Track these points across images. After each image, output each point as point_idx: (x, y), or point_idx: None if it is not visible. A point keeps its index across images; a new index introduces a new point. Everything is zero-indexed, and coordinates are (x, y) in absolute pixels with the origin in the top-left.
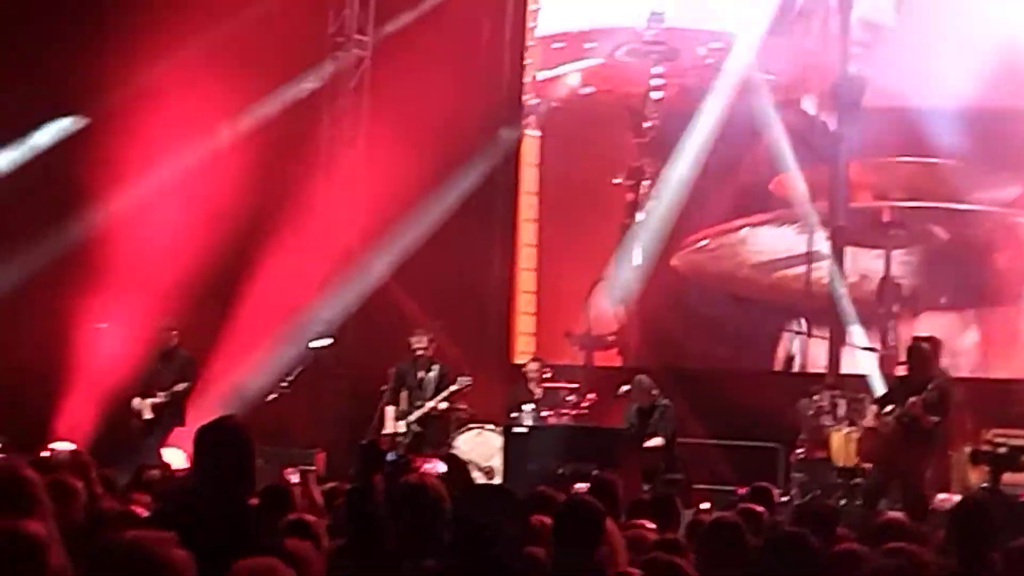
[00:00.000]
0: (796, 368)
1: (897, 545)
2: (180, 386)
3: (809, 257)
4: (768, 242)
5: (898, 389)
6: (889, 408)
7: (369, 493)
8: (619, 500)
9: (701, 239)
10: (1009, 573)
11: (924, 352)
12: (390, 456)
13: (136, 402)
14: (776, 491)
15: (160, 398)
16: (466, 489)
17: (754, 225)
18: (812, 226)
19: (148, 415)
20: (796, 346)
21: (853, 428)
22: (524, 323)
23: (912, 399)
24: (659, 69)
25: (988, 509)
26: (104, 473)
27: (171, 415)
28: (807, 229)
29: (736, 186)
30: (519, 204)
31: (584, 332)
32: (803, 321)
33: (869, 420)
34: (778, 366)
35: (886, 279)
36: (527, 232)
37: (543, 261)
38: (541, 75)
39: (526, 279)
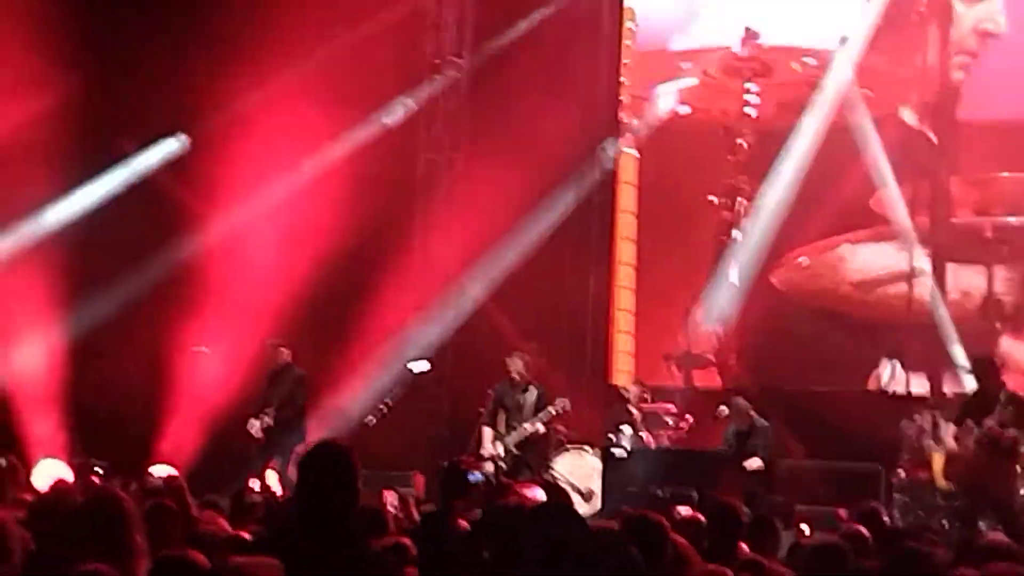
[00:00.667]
0: (892, 389)
1: (1001, 565)
2: (286, 409)
3: (910, 274)
4: (868, 259)
5: (971, 407)
6: (966, 427)
7: (446, 517)
8: (741, 525)
9: (799, 256)
10: None
11: (990, 367)
12: (472, 477)
13: (251, 423)
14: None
15: (267, 420)
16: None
17: (853, 242)
18: (912, 243)
19: (257, 435)
20: (891, 370)
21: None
22: (622, 343)
23: (988, 421)
24: (753, 86)
25: None
26: (211, 499)
27: (285, 435)
28: (907, 246)
29: (835, 203)
30: (616, 223)
31: (682, 353)
32: (901, 342)
33: (950, 443)
34: (874, 385)
35: (988, 296)
36: (625, 251)
37: (641, 281)
38: (637, 94)
39: (624, 298)
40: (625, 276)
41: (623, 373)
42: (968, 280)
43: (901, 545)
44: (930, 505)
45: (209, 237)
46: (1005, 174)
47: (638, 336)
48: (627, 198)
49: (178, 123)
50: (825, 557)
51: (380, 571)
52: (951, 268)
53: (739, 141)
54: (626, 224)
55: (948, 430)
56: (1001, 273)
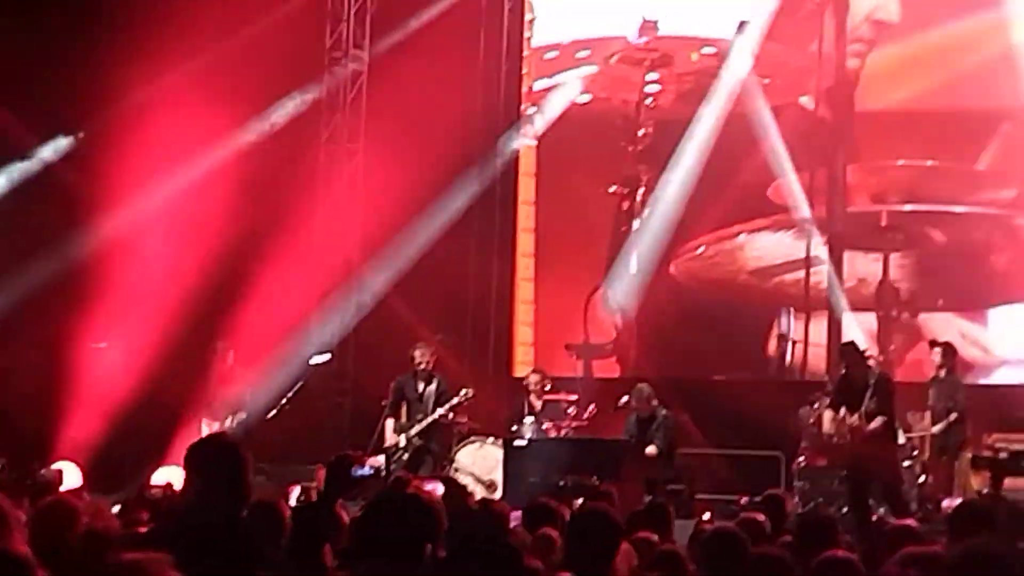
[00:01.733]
0: (791, 338)
1: (915, 549)
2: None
3: (807, 262)
4: (766, 248)
5: (842, 393)
6: (842, 414)
7: (322, 511)
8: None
9: (698, 246)
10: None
11: (855, 352)
12: (362, 471)
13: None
14: (789, 500)
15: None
16: (464, 509)
17: (752, 231)
18: (810, 231)
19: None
20: (787, 320)
21: None
22: (524, 335)
23: (853, 419)
24: (653, 76)
25: (990, 511)
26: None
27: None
28: (805, 234)
29: (733, 192)
30: (517, 214)
31: (582, 343)
32: (798, 325)
33: (828, 427)
34: (773, 370)
35: (884, 283)
36: (525, 242)
37: (541, 271)
38: (537, 85)
39: (525, 290)
40: (525, 267)
41: (525, 364)
42: (864, 267)
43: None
44: (830, 491)
45: (106, 231)
46: (901, 162)
47: (539, 327)
48: (527, 189)
49: (73, 118)
50: (721, 543)
51: (263, 563)
52: (848, 256)
53: (639, 131)
54: (526, 215)
55: (826, 417)
56: (896, 260)
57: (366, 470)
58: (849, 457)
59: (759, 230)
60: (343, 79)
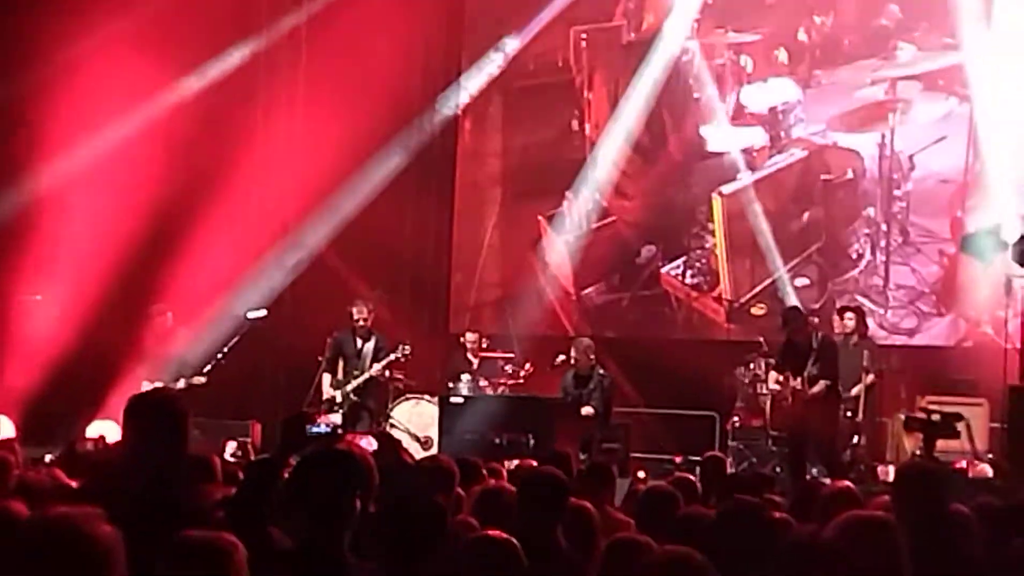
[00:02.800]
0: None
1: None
2: (197, 380)
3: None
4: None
5: (787, 354)
6: (784, 376)
7: (276, 469)
8: (572, 474)
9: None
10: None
11: (799, 316)
12: (317, 429)
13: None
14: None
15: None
16: (396, 465)
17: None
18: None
19: None
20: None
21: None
22: (461, 290)
23: (795, 383)
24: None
25: (933, 473)
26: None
27: None
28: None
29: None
30: (456, 171)
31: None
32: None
33: (772, 387)
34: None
35: None
36: (464, 198)
37: (479, 228)
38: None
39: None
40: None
41: (462, 320)
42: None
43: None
44: (763, 451)
45: (43, 185)
46: None
47: (477, 283)
48: (469, 143)
49: (6, 70)
50: (656, 502)
51: (200, 518)
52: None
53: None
54: (467, 170)
55: (770, 377)
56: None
57: (321, 428)
58: (791, 418)
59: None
60: (282, 34)
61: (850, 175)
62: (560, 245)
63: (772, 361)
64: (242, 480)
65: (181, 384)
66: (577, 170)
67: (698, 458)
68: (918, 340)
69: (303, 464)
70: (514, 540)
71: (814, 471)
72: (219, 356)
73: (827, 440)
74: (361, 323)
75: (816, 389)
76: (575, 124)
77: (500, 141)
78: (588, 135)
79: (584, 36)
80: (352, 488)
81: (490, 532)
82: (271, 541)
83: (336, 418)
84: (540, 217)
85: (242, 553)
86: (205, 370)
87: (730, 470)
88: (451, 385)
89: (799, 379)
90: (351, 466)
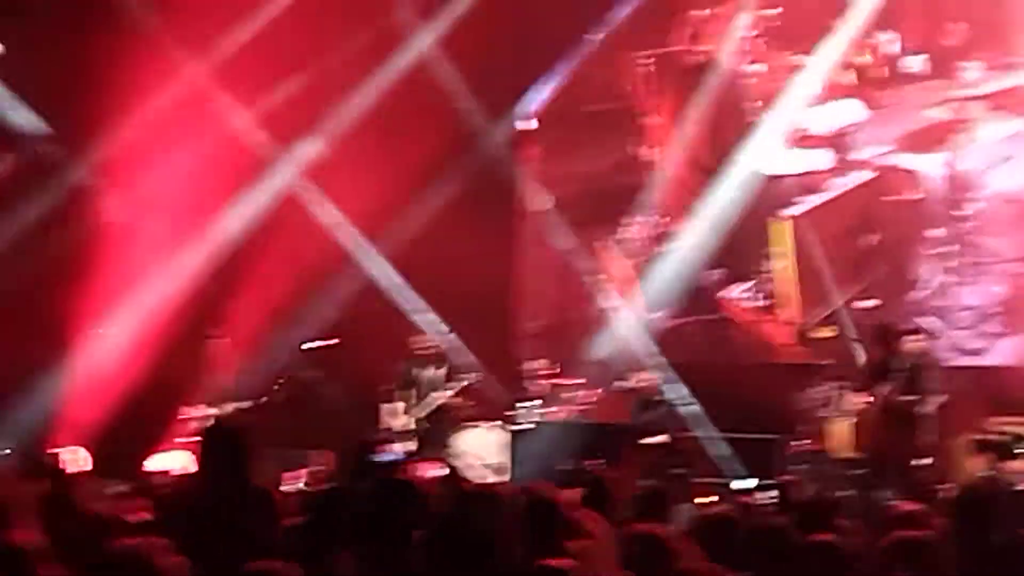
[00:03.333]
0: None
1: (903, 534)
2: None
3: None
4: None
5: (876, 371)
6: (868, 396)
7: (342, 495)
8: (612, 497)
9: None
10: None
11: (888, 333)
12: (387, 456)
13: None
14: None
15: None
16: (461, 493)
17: None
18: None
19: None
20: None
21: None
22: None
23: (884, 389)
24: None
25: (990, 495)
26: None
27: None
28: None
29: None
30: (514, 197)
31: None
32: None
33: (854, 409)
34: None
35: None
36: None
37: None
38: None
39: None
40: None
41: (526, 348)
42: None
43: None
44: (829, 475)
45: (105, 215)
46: None
47: (543, 310)
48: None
49: (75, 98)
50: (716, 527)
51: (266, 549)
52: None
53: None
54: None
55: (852, 398)
56: None
57: (387, 456)
58: (875, 436)
59: None
60: (346, 56)
61: (917, 196)
62: (626, 270)
63: (840, 383)
64: (308, 509)
65: (229, 409)
66: (640, 195)
67: (770, 481)
68: (985, 361)
69: (368, 495)
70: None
71: (888, 494)
72: (276, 386)
73: (910, 463)
74: (426, 351)
75: (929, 406)
76: (637, 150)
77: (562, 166)
78: (650, 160)
79: (646, 62)
80: (412, 518)
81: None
82: (335, 568)
83: (400, 446)
84: (604, 242)
85: None
86: (263, 400)
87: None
88: (520, 411)
89: (888, 388)
90: (413, 496)
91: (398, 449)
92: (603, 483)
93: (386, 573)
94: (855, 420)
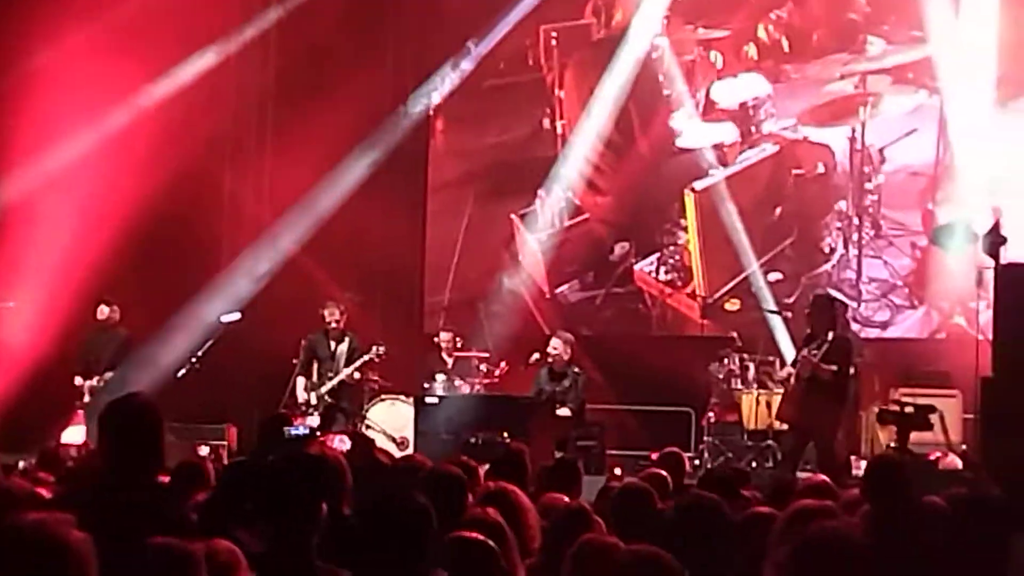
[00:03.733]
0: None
1: (805, 503)
2: (108, 374)
3: None
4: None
5: (806, 343)
6: (794, 365)
7: (253, 471)
8: (526, 470)
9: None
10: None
11: (822, 305)
12: (294, 431)
13: (78, 381)
14: (686, 456)
15: (96, 383)
16: (371, 465)
17: None
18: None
19: (87, 399)
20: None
21: (763, 391)
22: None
23: (804, 353)
24: None
25: (901, 466)
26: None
27: (109, 396)
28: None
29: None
30: (428, 171)
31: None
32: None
33: (781, 378)
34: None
35: None
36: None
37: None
38: None
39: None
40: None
41: (436, 320)
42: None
43: (690, 494)
44: (739, 447)
45: (13, 190)
46: None
47: (451, 283)
48: (440, 143)
49: None
50: (630, 499)
51: (180, 524)
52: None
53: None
54: (438, 170)
55: (783, 369)
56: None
57: (299, 430)
58: (795, 406)
59: None
60: (251, 37)
61: (821, 169)
62: (533, 243)
63: (745, 356)
64: (217, 483)
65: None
66: (549, 168)
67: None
68: (891, 333)
69: (273, 469)
70: (491, 543)
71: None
72: (193, 359)
73: (826, 436)
74: (333, 325)
75: (825, 367)
76: (546, 122)
77: (471, 140)
78: (559, 133)
79: (554, 34)
80: (320, 493)
81: (464, 533)
82: (240, 545)
83: (312, 420)
84: (513, 215)
85: (203, 561)
86: (179, 373)
87: (708, 465)
88: (426, 385)
89: (807, 350)
90: (320, 470)
91: (309, 423)
92: (516, 455)
93: (294, 548)
94: (783, 393)
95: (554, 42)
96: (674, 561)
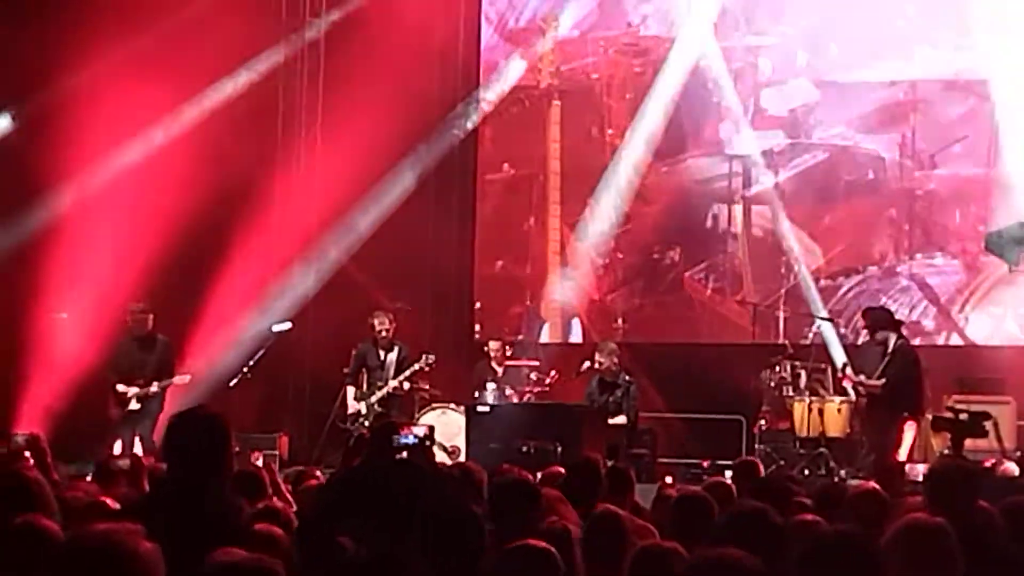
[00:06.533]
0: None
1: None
2: (166, 381)
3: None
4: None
5: (862, 357)
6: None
7: (365, 479)
8: (600, 479)
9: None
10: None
11: (877, 318)
12: (406, 439)
13: (121, 388)
14: (760, 464)
15: (148, 389)
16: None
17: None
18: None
19: (134, 406)
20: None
21: (815, 398)
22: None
23: (860, 375)
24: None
25: (965, 471)
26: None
27: (154, 403)
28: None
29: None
30: (477, 182)
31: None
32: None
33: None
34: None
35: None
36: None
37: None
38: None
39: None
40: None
41: (487, 330)
42: (765, 177)
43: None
44: (791, 454)
45: (65, 203)
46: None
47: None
48: (490, 152)
49: (30, 88)
50: (689, 508)
51: (245, 534)
52: (753, 171)
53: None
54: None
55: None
56: (784, 172)
57: (409, 438)
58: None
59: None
60: (300, 48)
61: (871, 176)
62: (584, 251)
63: (797, 363)
64: (323, 491)
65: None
66: (599, 177)
67: (727, 462)
68: (943, 340)
69: (386, 477)
70: (552, 549)
71: (842, 472)
72: (245, 369)
73: (878, 447)
74: (383, 334)
75: (870, 382)
76: (595, 131)
77: (521, 149)
78: (609, 141)
79: (602, 43)
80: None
81: (530, 541)
82: (342, 553)
83: (420, 430)
84: (563, 224)
85: (277, 572)
86: (231, 383)
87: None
88: (477, 394)
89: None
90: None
91: (420, 431)
92: (582, 465)
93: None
94: (845, 402)
95: (603, 51)
96: (758, 564)
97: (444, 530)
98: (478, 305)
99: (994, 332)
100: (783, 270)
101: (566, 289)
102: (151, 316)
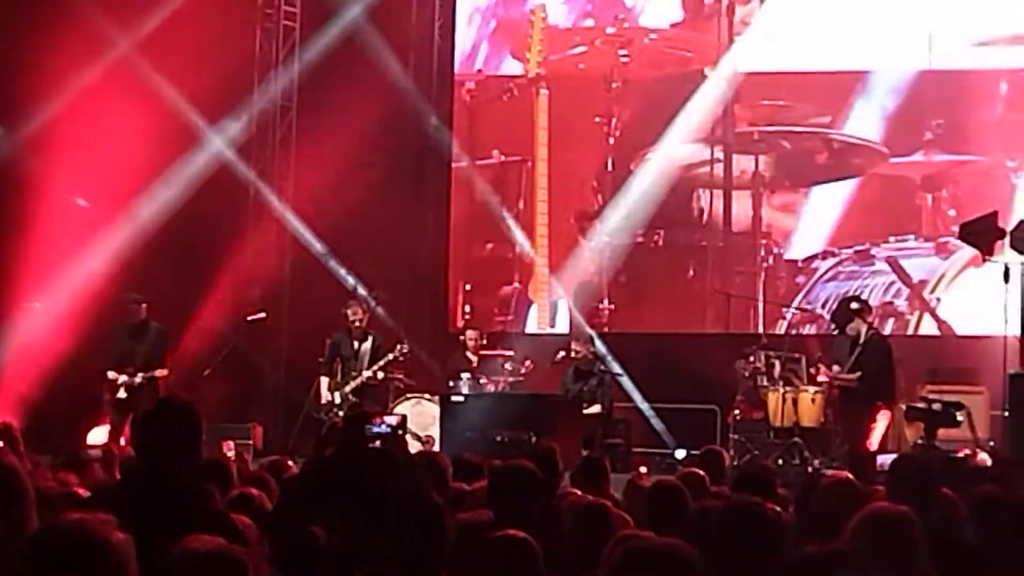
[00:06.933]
0: None
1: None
2: (159, 372)
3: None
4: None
5: (836, 348)
6: (836, 369)
7: (337, 467)
8: (558, 468)
9: None
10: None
11: (848, 310)
12: (378, 428)
13: (112, 375)
14: (726, 454)
15: (133, 380)
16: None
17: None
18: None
19: (122, 395)
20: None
21: (789, 388)
22: (461, 290)
23: (835, 368)
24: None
25: (921, 463)
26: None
27: (147, 396)
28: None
29: None
30: (452, 172)
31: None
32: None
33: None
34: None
35: (755, 172)
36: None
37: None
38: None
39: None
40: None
41: (476, 311)
42: (745, 164)
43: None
44: (765, 444)
45: (38, 194)
46: (766, 102)
47: (475, 281)
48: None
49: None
50: (663, 497)
51: (217, 523)
52: (735, 158)
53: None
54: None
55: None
56: (763, 159)
57: (382, 427)
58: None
59: None
60: (278, 44)
61: (847, 161)
62: (571, 235)
63: (771, 353)
64: (295, 480)
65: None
66: (586, 164)
67: (697, 452)
68: (916, 320)
69: (358, 466)
70: (531, 539)
71: (816, 462)
72: (219, 358)
73: (853, 437)
74: (357, 324)
75: (846, 376)
76: (582, 119)
77: (510, 136)
78: (596, 129)
79: (590, 34)
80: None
81: (509, 532)
82: (315, 541)
83: (392, 419)
84: (550, 208)
85: (247, 560)
86: (204, 373)
87: (732, 463)
88: (451, 384)
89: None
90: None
91: (392, 421)
92: (548, 453)
93: (373, 544)
94: (819, 392)
95: (590, 40)
96: (692, 554)
97: (412, 518)
98: (468, 287)
99: (968, 322)
100: (762, 253)
101: (555, 272)
102: (144, 305)
